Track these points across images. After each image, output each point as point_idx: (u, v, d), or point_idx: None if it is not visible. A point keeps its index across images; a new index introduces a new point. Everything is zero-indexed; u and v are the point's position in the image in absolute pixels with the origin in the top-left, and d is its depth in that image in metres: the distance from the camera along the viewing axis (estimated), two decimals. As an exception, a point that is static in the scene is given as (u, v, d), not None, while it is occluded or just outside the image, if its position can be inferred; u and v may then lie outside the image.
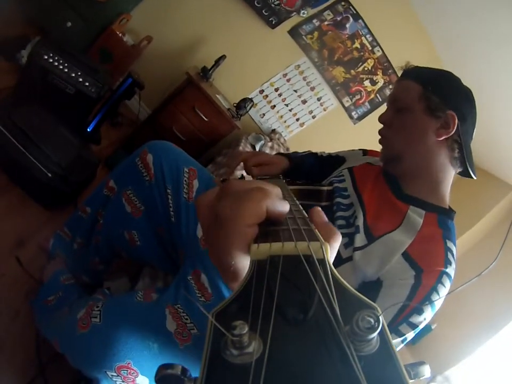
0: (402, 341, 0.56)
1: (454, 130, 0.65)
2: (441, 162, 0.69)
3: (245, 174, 0.86)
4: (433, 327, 2.12)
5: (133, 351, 0.56)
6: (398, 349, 0.57)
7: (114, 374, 0.56)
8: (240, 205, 0.24)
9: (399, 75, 0.79)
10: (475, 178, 0.69)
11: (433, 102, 0.66)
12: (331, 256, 0.26)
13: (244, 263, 0.25)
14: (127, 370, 0.56)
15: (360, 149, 0.93)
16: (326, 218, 0.29)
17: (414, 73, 0.73)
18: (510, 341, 1.82)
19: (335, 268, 0.69)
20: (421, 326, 0.57)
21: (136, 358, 0.56)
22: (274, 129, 2.37)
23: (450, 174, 0.70)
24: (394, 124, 0.73)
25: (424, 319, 0.56)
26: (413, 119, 0.69)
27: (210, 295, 0.67)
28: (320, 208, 0.30)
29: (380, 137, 0.78)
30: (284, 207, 0.27)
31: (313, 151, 0.99)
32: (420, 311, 0.55)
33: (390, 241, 0.61)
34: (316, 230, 0.28)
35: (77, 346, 0.60)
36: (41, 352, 0.78)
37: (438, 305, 0.57)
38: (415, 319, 0.55)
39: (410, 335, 0.56)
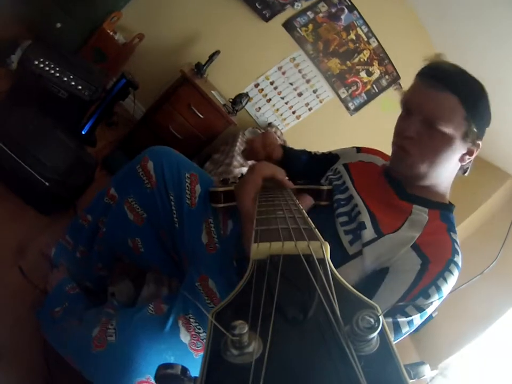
0: (408, 322, 0.57)
1: (475, 155, 0.67)
2: (452, 173, 0.70)
3: (245, 172, 0.86)
4: (434, 315, 2.14)
5: (151, 365, 0.57)
6: (405, 331, 0.57)
7: None
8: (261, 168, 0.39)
9: (427, 68, 0.66)
10: (465, 175, 0.72)
11: (472, 131, 0.63)
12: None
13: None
14: None
15: (353, 147, 0.92)
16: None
17: (459, 88, 0.62)
18: (507, 331, 1.84)
19: (342, 265, 0.69)
20: (429, 311, 0.58)
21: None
22: (271, 123, 2.36)
23: (454, 176, 0.72)
24: (424, 141, 0.64)
25: (431, 303, 0.57)
26: (448, 143, 0.63)
27: (219, 300, 0.67)
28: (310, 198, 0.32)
29: (395, 147, 0.70)
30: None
31: (307, 148, 0.98)
32: (426, 295, 0.56)
33: (399, 237, 0.62)
34: (314, 227, 0.28)
35: (94, 364, 0.61)
36: (49, 361, 0.78)
37: (445, 292, 0.58)
38: (422, 302, 0.56)
39: (416, 317, 0.57)
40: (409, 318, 0.56)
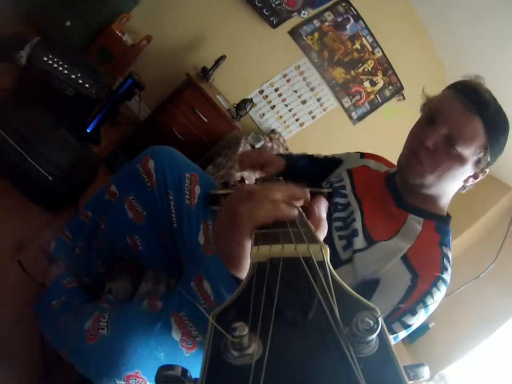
0: (394, 339, 0.58)
1: (480, 180, 0.69)
2: (454, 190, 0.71)
3: (245, 175, 0.86)
4: (430, 325, 2.14)
5: (141, 360, 0.57)
6: None
7: (123, 383, 0.57)
8: (254, 210, 0.30)
9: (465, 86, 0.64)
10: (463, 192, 0.73)
11: (485, 159, 0.64)
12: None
13: (245, 253, 0.30)
14: (136, 379, 0.57)
15: (357, 152, 0.93)
16: (325, 214, 0.33)
17: (488, 117, 0.62)
18: (506, 341, 1.82)
19: (334, 270, 0.69)
20: (414, 327, 0.58)
21: (144, 367, 0.57)
22: (274, 129, 2.37)
23: (454, 192, 0.73)
24: (439, 155, 0.65)
25: (417, 320, 0.58)
26: (461, 164, 0.64)
27: (213, 303, 0.67)
28: (326, 203, 0.33)
29: (408, 151, 0.69)
30: (290, 214, 0.30)
31: (309, 153, 0.98)
32: (413, 312, 0.57)
33: (390, 246, 0.63)
34: (314, 230, 0.28)
35: (85, 357, 0.61)
36: (46, 355, 0.77)
37: (432, 309, 0.59)
38: (408, 319, 0.57)
39: (402, 333, 0.58)
40: (395, 335, 0.57)
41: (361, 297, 0.20)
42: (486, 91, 0.64)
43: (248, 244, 0.29)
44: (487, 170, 0.67)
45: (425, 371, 0.17)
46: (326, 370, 0.15)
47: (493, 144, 0.63)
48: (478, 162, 0.65)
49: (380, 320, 0.15)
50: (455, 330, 2.03)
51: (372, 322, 0.15)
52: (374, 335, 0.15)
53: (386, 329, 0.17)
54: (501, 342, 1.83)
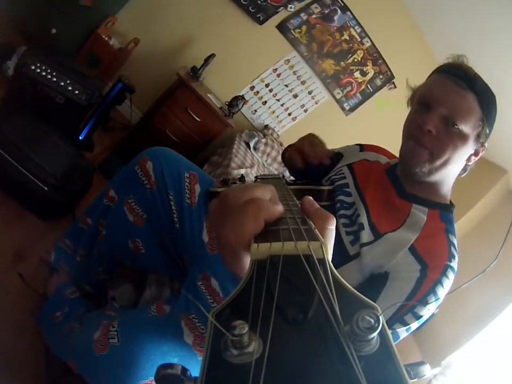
0: (407, 330, 0.58)
1: (480, 156, 0.69)
2: (457, 172, 0.70)
3: (244, 173, 0.86)
4: (435, 312, 2.15)
5: (155, 368, 0.56)
6: (402, 337, 0.59)
7: None
8: (240, 225, 0.26)
9: (450, 66, 0.66)
10: (463, 176, 0.73)
11: (484, 133, 0.64)
12: (331, 238, 0.27)
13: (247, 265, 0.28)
14: None
15: (356, 144, 0.92)
16: (317, 205, 0.30)
17: (479, 90, 0.63)
18: (506, 328, 1.84)
19: (343, 265, 0.69)
20: (425, 317, 0.59)
21: None
22: (267, 125, 2.37)
23: (456, 176, 0.72)
24: (442, 137, 0.64)
25: (429, 310, 0.58)
26: (464, 142, 0.64)
27: (222, 299, 0.67)
28: (310, 197, 0.31)
29: (412, 142, 0.67)
30: (279, 211, 0.28)
31: None
32: (424, 303, 0.57)
33: (396, 238, 0.63)
34: (314, 227, 0.28)
35: (97, 367, 0.60)
36: (51, 367, 0.77)
37: (442, 296, 0.59)
38: (420, 310, 0.58)
39: (414, 324, 0.58)
40: (408, 327, 0.58)
41: (362, 295, 0.20)
42: (470, 67, 0.65)
43: (248, 256, 0.26)
44: (486, 144, 0.67)
45: (426, 369, 0.17)
46: (327, 368, 0.15)
47: (488, 115, 0.63)
48: (478, 137, 0.64)
49: (381, 318, 0.15)
50: (460, 316, 2.05)
51: (372, 321, 0.15)
52: (375, 334, 0.15)
53: (387, 328, 0.17)
54: (500, 330, 1.85)
